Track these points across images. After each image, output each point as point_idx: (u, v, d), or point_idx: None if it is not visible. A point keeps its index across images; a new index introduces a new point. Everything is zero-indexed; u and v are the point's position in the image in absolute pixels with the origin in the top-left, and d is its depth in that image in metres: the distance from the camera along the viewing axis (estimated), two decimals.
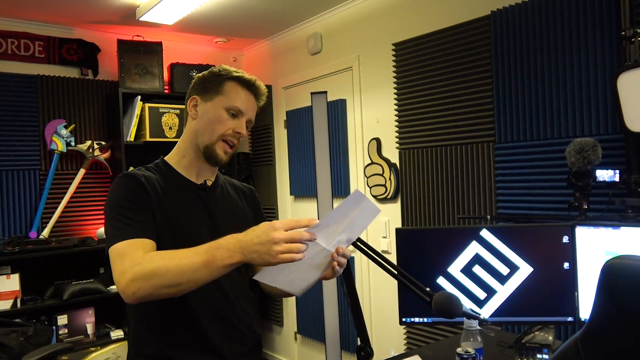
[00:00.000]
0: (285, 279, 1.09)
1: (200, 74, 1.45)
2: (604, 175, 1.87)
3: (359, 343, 1.36)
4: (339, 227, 1.08)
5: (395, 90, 3.01)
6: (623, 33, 1.93)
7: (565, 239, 1.66)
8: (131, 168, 1.42)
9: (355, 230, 1.15)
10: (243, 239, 1.05)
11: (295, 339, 4.03)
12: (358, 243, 1.30)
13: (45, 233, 3.38)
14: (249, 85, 1.41)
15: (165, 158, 1.44)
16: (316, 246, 1.06)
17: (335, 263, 1.15)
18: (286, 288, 1.13)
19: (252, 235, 1.04)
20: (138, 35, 3.73)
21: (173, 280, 1.08)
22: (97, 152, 3.58)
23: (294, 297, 3.95)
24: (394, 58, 3.01)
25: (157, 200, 1.30)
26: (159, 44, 3.75)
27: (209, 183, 1.44)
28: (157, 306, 1.28)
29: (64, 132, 3.48)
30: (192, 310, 1.32)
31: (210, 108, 1.38)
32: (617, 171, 1.86)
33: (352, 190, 3.35)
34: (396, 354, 1.84)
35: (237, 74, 1.40)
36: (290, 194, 3.98)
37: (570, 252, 1.66)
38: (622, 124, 1.85)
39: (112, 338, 3.38)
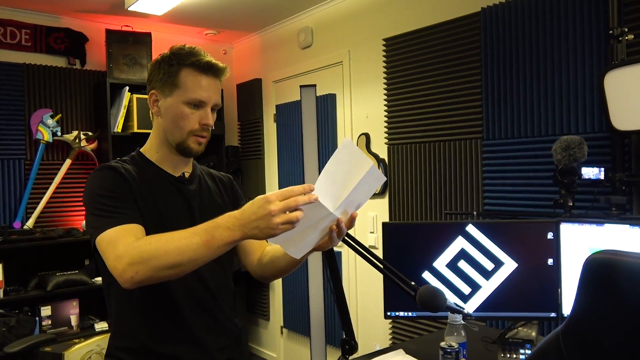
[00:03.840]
0: (293, 243, 1.09)
1: (153, 61, 1.34)
2: (590, 173, 1.88)
3: (343, 337, 1.36)
4: (344, 191, 1.05)
5: (385, 86, 3.01)
6: (611, 32, 1.94)
7: (550, 236, 1.67)
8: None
9: (360, 195, 1.12)
10: (241, 217, 1.03)
11: (282, 333, 4.03)
12: (345, 237, 1.29)
13: (30, 223, 3.34)
14: (205, 70, 1.30)
15: (141, 150, 1.41)
16: (322, 209, 1.03)
17: (335, 227, 1.10)
18: (290, 251, 1.11)
19: (249, 212, 1.02)
20: (127, 26, 3.69)
21: (172, 262, 1.06)
22: (83, 143, 3.54)
23: (280, 291, 3.96)
24: (384, 53, 3.01)
25: (139, 192, 1.29)
26: (148, 34, 3.71)
27: (187, 175, 1.42)
28: (139, 298, 1.27)
29: (50, 121, 3.43)
30: (175, 303, 1.31)
31: (171, 104, 1.30)
32: (602, 169, 1.88)
33: None
34: (381, 348, 1.85)
35: (191, 60, 1.29)
36: (279, 189, 3.96)
37: (554, 248, 1.67)
38: (608, 122, 1.86)
39: (97, 330, 3.35)
